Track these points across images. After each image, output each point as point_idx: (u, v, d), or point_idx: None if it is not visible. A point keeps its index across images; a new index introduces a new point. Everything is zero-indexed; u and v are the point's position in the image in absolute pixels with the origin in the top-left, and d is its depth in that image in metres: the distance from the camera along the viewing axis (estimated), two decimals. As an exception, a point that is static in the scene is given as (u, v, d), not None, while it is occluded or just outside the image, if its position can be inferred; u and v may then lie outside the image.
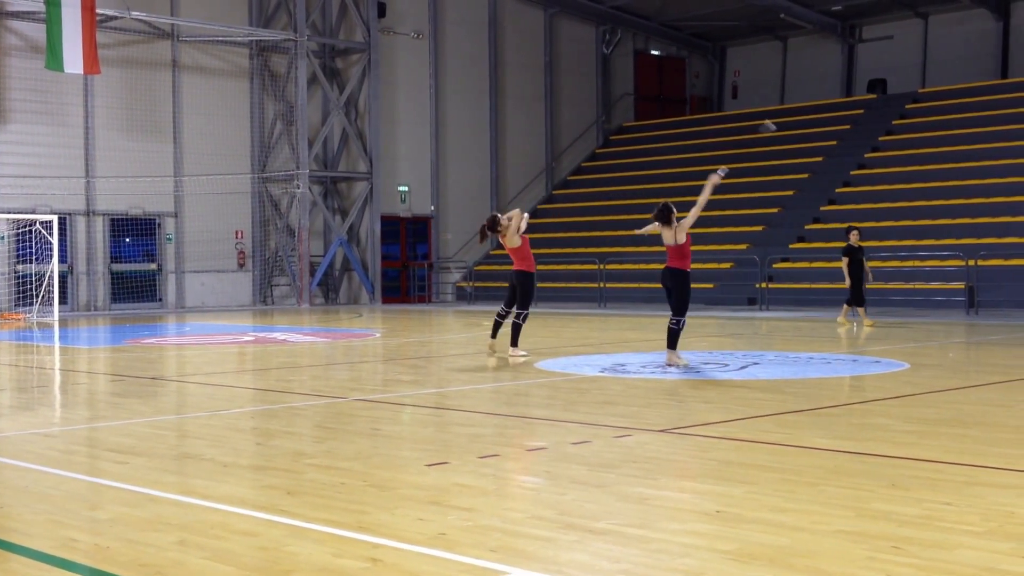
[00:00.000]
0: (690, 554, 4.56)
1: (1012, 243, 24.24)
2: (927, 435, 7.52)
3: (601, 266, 27.90)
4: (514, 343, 13.65)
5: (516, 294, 13.74)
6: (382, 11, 31.27)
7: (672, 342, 12.18)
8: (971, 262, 22.81)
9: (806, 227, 28.47)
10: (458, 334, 19.10)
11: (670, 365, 12.03)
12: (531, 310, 14.08)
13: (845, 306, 19.75)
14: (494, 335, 13.98)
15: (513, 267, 13.84)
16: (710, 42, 40.73)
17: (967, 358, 14.04)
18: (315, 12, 30.77)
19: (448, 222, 33.77)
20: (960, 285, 23.34)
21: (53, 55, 24.37)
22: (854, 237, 19.55)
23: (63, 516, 5.40)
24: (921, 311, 22.94)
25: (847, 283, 19.42)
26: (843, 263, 19.48)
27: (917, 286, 24.34)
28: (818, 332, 17.99)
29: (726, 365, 12.24)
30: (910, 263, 24.84)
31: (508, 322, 13.92)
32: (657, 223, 12.18)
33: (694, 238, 13.56)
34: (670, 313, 12.24)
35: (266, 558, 4.58)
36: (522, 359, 13.27)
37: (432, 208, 33.37)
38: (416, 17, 32.85)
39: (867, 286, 19.75)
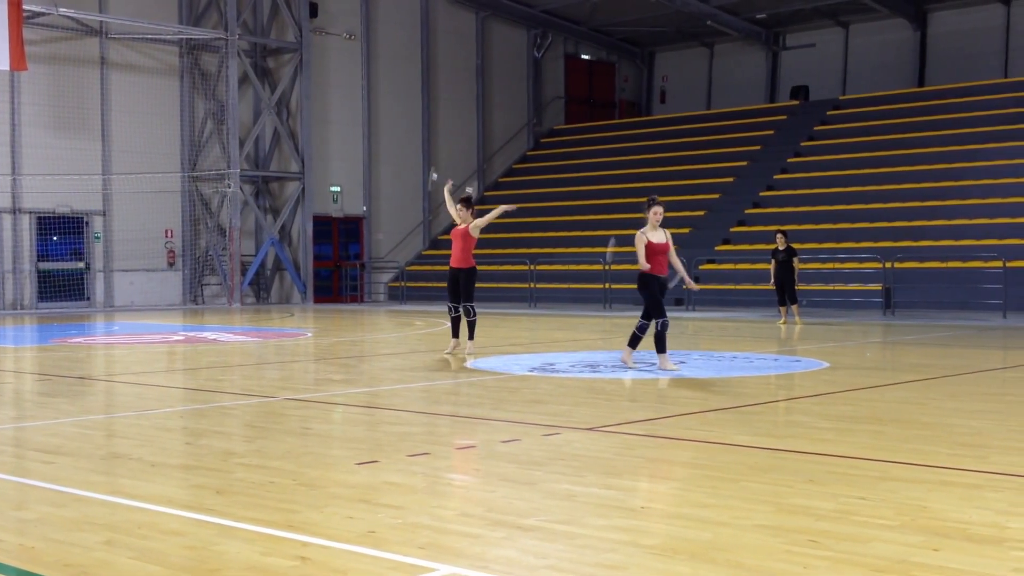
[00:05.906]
0: (615, 549, 4.65)
1: (927, 246, 24.86)
2: (844, 432, 7.73)
3: (532, 267, 28.04)
4: (471, 337, 14.20)
5: (460, 289, 14.07)
6: (314, 11, 31.11)
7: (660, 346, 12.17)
8: (888, 264, 23.35)
9: (731, 230, 28.90)
10: (390, 333, 19.09)
11: (664, 368, 11.92)
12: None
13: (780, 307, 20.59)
14: (456, 333, 14.24)
15: (461, 265, 14.04)
16: (639, 47, 41.11)
17: (883, 357, 14.37)
18: (246, 11, 30.52)
19: (380, 222, 33.69)
20: (877, 286, 23.88)
21: (-23, 51, 23.90)
22: (779, 240, 20.25)
23: (-11, 516, 5.35)
24: (840, 311, 23.43)
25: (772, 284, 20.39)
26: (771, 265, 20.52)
27: (836, 287, 24.87)
28: (742, 332, 18.29)
29: (653, 364, 12.42)
30: (830, 265, 25.38)
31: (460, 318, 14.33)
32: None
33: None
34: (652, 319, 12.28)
35: (194, 557, 4.58)
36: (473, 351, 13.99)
37: (364, 208, 33.28)
38: (348, 18, 32.73)
39: (797, 287, 20.55)
